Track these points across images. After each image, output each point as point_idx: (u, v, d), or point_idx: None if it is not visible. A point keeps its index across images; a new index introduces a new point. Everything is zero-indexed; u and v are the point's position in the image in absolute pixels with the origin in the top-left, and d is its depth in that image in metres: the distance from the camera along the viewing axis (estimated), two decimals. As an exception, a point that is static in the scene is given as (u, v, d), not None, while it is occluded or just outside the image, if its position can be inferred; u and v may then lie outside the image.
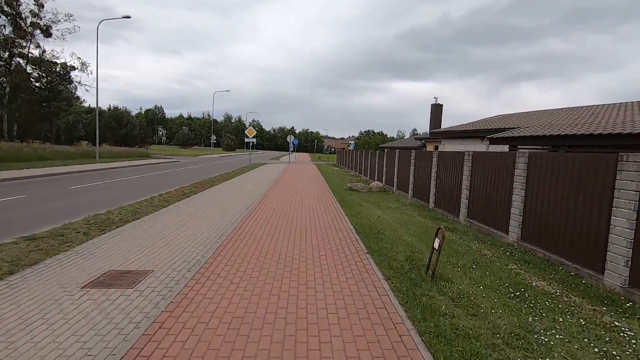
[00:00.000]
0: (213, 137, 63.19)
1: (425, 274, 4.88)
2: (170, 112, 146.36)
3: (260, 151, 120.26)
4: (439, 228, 4.84)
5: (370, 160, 20.88)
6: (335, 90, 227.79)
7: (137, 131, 62.61)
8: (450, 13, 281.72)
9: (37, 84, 35.19)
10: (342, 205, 10.77)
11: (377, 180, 18.07)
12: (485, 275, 5.06)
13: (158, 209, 9.19)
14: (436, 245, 4.78)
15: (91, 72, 42.26)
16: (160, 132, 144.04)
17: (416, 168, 12.57)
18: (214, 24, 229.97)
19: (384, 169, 17.01)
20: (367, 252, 6.00)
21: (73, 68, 41.05)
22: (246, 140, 28.90)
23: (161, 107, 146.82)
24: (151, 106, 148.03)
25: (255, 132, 28.48)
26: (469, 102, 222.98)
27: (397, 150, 15.11)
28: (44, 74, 36.25)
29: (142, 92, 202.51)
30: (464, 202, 8.91)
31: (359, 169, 25.09)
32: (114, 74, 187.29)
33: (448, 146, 16.34)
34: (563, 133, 8.86)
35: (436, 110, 30.44)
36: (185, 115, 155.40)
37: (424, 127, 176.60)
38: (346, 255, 5.84)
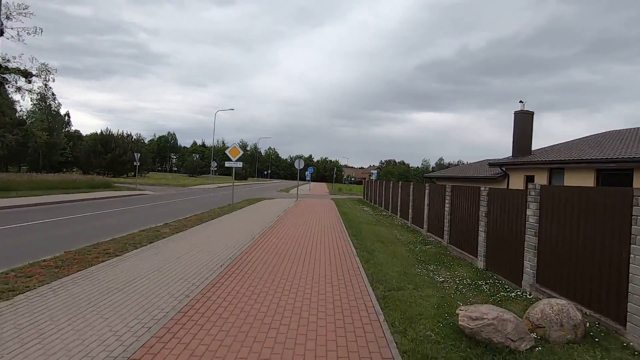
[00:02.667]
0: (213, 164, 53.72)
1: None
2: (190, 142, 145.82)
3: (276, 180, 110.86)
4: None
5: (454, 203, 9.76)
6: (354, 121, 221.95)
7: (127, 156, 54.01)
8: (469, 45, 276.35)
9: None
10: None
11: (546, 292, 6.85)
12: None
13: None
14: None
15: (53, 80, 33.75)
16: (169, 160, 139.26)
17: None
18: (237, 58, 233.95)
19: (559, 240, 5.71)
20: None
21: (29, 74, 32.68)
22: (227, 164, 18.61)
23: (174, 134, 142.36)
24: (184, 136, 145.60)
25: (242, 153, 18.11)
26: (490, 133, 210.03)
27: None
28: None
29: (167, 122, 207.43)
30: None
31: (416, 217, 13.89)
32: (143, 105, 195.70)
33: None
34: None
35: (523, 120, 19.33)
36: (199, 143, 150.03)
37: (448, 157, 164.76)
38: None
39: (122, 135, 58.51)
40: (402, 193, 16.00)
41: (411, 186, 14.31)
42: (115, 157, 51.15)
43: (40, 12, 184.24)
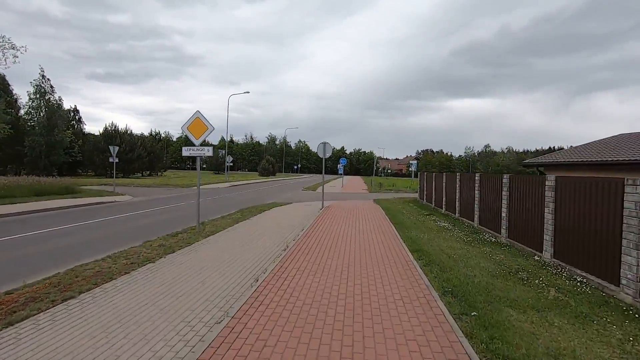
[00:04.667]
0: (229, 159, 46.25)
1: None
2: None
3: (306, 175, 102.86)
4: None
5: None
6: (388, 111, 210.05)
7: (135, 154, 47.80)
8: (510, 25, 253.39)
9: None
10: None
11: None
12: None
13: None
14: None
15: (16, 58, 26.88)
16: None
17: None
18: (269, 54, 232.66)
19: None
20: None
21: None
22: (184, 152, 10.11)
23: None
24: (224, 135, 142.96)
25: (211, 130, 9.50)
26: (534, 117, 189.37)
27: None
28: None
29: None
30: None
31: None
32: (181, 106, 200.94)
33: None
34: None
35: None
36: (227, 139, 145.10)
37: (492, 144, 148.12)
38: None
39: (128, 132, 52.24)
40: (588, 207, 6.62)
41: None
42: (120, 155, 44.83)
43: (85, 22, 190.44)
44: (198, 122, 9.71)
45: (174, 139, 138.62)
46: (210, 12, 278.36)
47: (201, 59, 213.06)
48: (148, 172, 60.27)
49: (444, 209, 15.77)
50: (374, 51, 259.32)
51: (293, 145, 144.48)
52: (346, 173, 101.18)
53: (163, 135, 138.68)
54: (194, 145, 9.99)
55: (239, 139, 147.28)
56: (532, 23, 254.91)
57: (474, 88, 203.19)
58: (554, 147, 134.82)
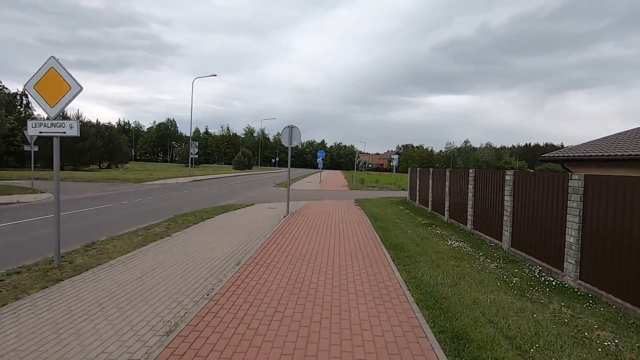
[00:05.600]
0: (193, 150, 41.48)
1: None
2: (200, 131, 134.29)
3: (284, 169, 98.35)
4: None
5: None
6: (369, 106, 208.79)
7: (86, 144, 42.17)
8: (489, 22, 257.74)
9: None
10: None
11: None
12: None
13: None
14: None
15: None
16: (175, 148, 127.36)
17: None
18: (250, 46, 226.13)
19: None
20: None
21: None
22: (30, 130, 5.92)
23: (174, 120, 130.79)
24: (200, 127, 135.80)
25: (76, 90, 5.42)
26: (511, 115, 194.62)
27: None
28: None
29: (184, 113, 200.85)
30: None
31: None
32: (159, 97, 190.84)
33: None
34: None
35: None
36: (202, 130, 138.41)
37: (471, 140, 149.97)
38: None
39: (81, 118, 46.31)
40: None
41: None
42: (68, 144, 39.26)
43: (56, 7, 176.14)
44: (53, 76, 5.49)
45: (145, 129, 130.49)
46: (190, 1, 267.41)
47: (180, 48, 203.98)
48: (107, 164, 54.44)
49: (446, 216, 12.09)
50: (356, 45, 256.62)
51: (272, 138, 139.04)
52: (326, 167, 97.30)
53: (133, 125, 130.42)
54: (51, 118, 5.73)
55: (216, 130, 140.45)
56: (511, 21, 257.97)
57: (454, 84, 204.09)
58: (529, 143, 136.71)
